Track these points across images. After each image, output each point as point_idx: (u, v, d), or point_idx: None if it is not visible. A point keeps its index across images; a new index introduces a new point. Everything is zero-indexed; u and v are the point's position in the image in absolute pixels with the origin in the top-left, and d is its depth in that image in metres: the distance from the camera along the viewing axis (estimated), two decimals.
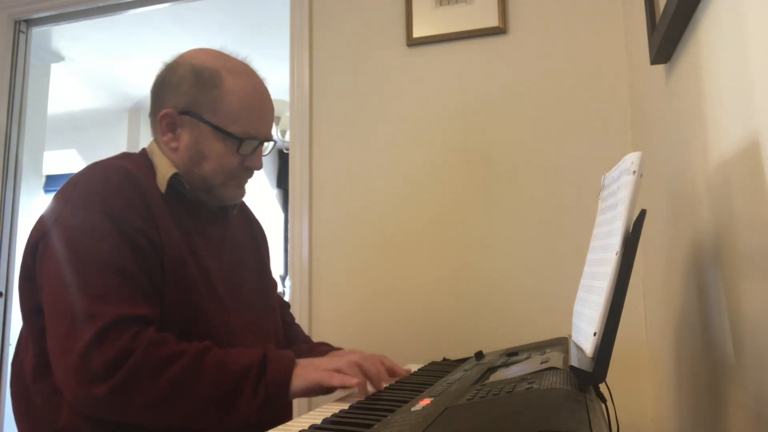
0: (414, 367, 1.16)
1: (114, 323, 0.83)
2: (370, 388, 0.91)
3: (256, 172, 1.08)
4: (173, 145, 1.02)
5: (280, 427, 0.70)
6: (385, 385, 0.93)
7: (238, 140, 1.00)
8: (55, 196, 0.95)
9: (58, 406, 0.89)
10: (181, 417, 0.84)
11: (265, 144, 1.07)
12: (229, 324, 0.99)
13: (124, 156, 1.05)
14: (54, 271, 0.88)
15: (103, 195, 0.91)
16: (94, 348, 0.81)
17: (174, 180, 0.99)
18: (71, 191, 0.93)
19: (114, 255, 0.88)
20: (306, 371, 0.89)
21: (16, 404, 0.96)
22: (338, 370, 0.89)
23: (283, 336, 1.22)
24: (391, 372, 1.04)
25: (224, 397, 0.85)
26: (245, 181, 1.08)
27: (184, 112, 1.00)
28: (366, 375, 0.90)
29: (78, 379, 0.81)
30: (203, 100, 0.99)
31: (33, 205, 2.63)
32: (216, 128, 0.99)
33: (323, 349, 1.18)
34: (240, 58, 1.07)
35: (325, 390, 0.90)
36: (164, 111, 1.01)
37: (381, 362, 1.03)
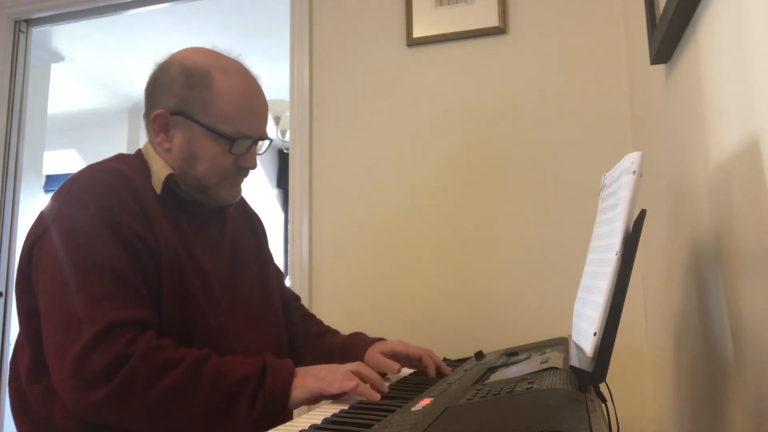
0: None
1: (110, 327, 0.82)
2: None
3: (256, 172, 1.07)
4: (166, 145, 1.01)
5: (280, 427, 0.70)
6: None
7: (231, 140, 1.00)
8: (51, 198, 0.95)
9: (52, 409, 0.89)
10: (176, 425, 0.84)
11: (261, 143, 1.06)
12: (226, 326, 0.98)
13: (120, 157, 1.04)
14: (50, 274, 0.88)
15: (99, 197, 0.91)
16: (90, 352, 0.81)
17: (169, 181, 0.99)
18: (66, 194, 0.93)
19: (109, 258, 0.87)
20: (305, 381, 0.89)
21: (14, 405, 0.96)
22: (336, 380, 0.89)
23: (303, 330, 1.22)
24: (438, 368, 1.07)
25: (220, 407, 0.84)
26: (240, 181, 1.07)
27: (176, 113, 1.00)
28: (365, 381, 0.90)
29: (74, 384, 0.81)
30: (194, 100, 0.99)
31: (33, 205, 2.63)
32: (208, 128, 0.99)
33: (362, 339, 1.18)
34: (233, 56, 1.06)
35: (327, 398, 0.90)
36: (156, 112, 1.00)
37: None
